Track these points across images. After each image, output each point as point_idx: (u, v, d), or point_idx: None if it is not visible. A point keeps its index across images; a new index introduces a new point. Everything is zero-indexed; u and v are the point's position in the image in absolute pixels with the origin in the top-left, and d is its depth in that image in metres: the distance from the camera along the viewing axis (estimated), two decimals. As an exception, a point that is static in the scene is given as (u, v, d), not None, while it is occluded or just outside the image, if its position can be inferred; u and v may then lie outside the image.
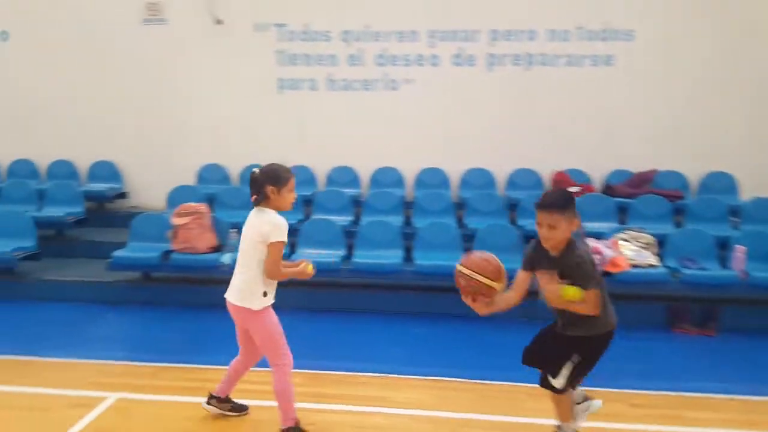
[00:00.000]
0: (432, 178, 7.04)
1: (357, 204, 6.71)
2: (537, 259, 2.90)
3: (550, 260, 2.82)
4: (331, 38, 7.10)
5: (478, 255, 2.92)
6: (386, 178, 7.12)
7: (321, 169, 7.26)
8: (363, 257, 5.48)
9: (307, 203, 6.67)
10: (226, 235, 5.79)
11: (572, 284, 2.72)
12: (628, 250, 5.47)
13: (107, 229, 6.89)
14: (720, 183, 6.85)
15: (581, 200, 6.30)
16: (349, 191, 6.84)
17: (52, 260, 6.23)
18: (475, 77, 7.00)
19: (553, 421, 3.15)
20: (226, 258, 5.50)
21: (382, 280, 5.63)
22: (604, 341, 2.89)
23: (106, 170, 7.46)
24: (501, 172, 7.04)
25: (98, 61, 7.39)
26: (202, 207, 5.72)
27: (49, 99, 7.49)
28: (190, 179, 7.35)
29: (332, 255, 5.56)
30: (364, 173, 7.20)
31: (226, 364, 4.26)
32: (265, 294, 3.12)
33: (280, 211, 3.14)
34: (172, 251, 5.58)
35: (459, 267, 2.86)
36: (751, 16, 6.70)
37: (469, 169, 7.06)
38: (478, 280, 2.79)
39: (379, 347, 4.78)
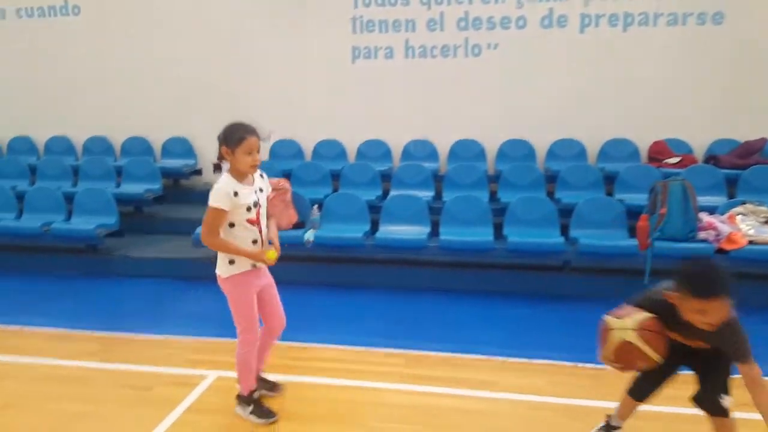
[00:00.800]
0: (516, 150, 6.73)
1: (436, 179, 6.50)
2: (670, 323, 2.44)
3: (694, 331, 2.37)
4: (409, 1, 6.84)
5: (652, 326, 2.45)
6: (466, 151, 6.86)
7: (396, 142, 7.06)
8: (450, 234, 5.29)
9: (384, 178, 6.52)
10: (308, 211, 5.72)
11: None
12: (746, 225, 5.07)
13: (184, 206, 6.96)
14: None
15: (684, 172, 5.90)
16: (428, 165, 6.64)
17: (133, 237, 6.34)
18: (565, 40, 6.59)
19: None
20: (309, 235, 5.43)
21: (472, 258, 5.45)
22: None
23: (179, 147, 7.50)
24: (593, 142, 6.66)
25: (168, 34, 7.40)
26: (285, 182, 5.65)
27: (120, 75, 7.56)
28: (262, 155, 7.28)
29: (418, 232, 5.40)
30: (443, 146, 6.96)
31: (322, 341, 4.27)
32: (231, 262, 3.02)
33: (246, 174, 2.99)
34: (254, 227, 5.55)
35: (633, 336, 2.42)
36: None
37: (558, 140, 6.71)
38: (651, 357, 2.43)
39: (476, 328, 4.60)
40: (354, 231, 5.44)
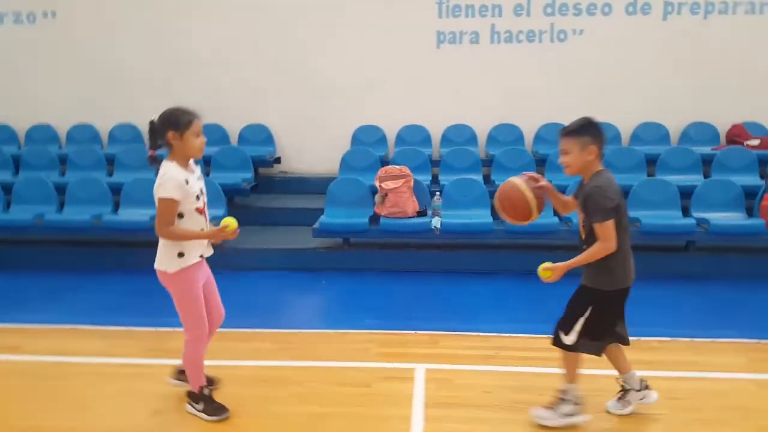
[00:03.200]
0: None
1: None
2: (578, 189, 2.79)
3: (579, 189, 2.74)
4: (496, -13, 6.65)
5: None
6: (551, 134, 6.75)
7: (482, 126, 6.89)
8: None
9: (486, 164, 6.35)
10: (428, 198, 5.51)
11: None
12: None
13: (272, 195, 6.62)
14: None
15: (763, 155, 6.01)
16: (519, 149, 6.48)
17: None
18: (648, 27, 6.55)
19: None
20: (436, 222, 5.23)
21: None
22: (619, 297, 2.74)
23: (257, 134, 7.08)
24: (675, 125, 6.68)
25: (245, 19, 6.94)
26: (407, 170, 5.40)
27: (199, 61, 7.06)
28: (343, 143, 7.01)
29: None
30: (528, 131, 6.83)
31: (488, 330, 4.09)
32: (180, 254, 2.75)
33: (193, 159, 2.81)
34: (379, 216, 5.30)
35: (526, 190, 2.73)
36: None
37: (642, 122, 6.69)
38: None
39: (638, 311, 4.51)
40: (479, 216, 5.28)
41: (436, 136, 6.94)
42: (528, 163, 6.20)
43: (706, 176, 5.92)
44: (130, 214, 5.47)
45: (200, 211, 2.80)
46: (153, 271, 2.86)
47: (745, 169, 5.76)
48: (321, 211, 5.59)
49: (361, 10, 6.80)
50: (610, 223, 2.56)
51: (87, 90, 7.17)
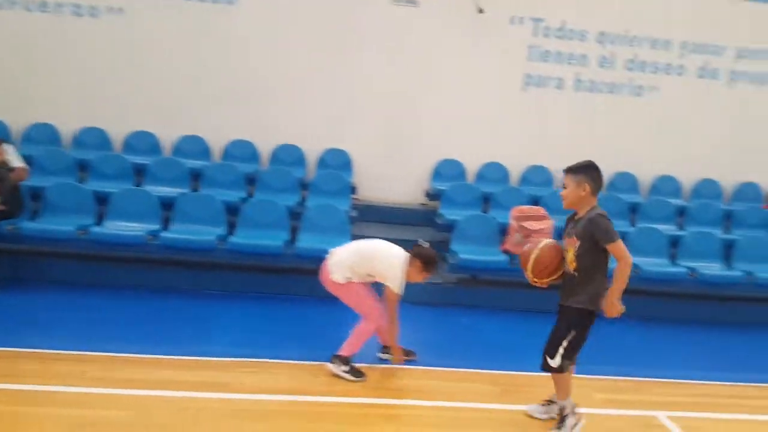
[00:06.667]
0: (666, 185, 6.97)
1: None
2: (568, 225, 3.07)
3: (574, 223, 2.99)
4: (586, 38, 6.78)
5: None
6: (624, 182, 6.96)
7: (557, 168, 6.93)
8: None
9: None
10: (557, 239, 5.39)
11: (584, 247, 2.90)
12: None
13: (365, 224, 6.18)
14: None
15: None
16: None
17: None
18: (715, 90, 6.99)
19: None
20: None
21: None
22: (594, 317, 2.97)
23: (337, 159, 6.64)
24: (727, 183, 7.14)
25: (335, 40, 6.55)
26: (545, 211, 5.25)
27: (279, 81, 6.56)
28: (422, 175, 6.79)
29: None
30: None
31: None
32: (348, 278, 3.58)
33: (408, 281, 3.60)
34: (511, 254, 5.10)
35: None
36: None
37: (703, 178, 7.07)
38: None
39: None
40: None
41: (515, 175, 6.89)
42: (624, 210, 6.32)
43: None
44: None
45: None
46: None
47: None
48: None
49: (457, 44, 6.67)
50: (620, 242, 2.81)
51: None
